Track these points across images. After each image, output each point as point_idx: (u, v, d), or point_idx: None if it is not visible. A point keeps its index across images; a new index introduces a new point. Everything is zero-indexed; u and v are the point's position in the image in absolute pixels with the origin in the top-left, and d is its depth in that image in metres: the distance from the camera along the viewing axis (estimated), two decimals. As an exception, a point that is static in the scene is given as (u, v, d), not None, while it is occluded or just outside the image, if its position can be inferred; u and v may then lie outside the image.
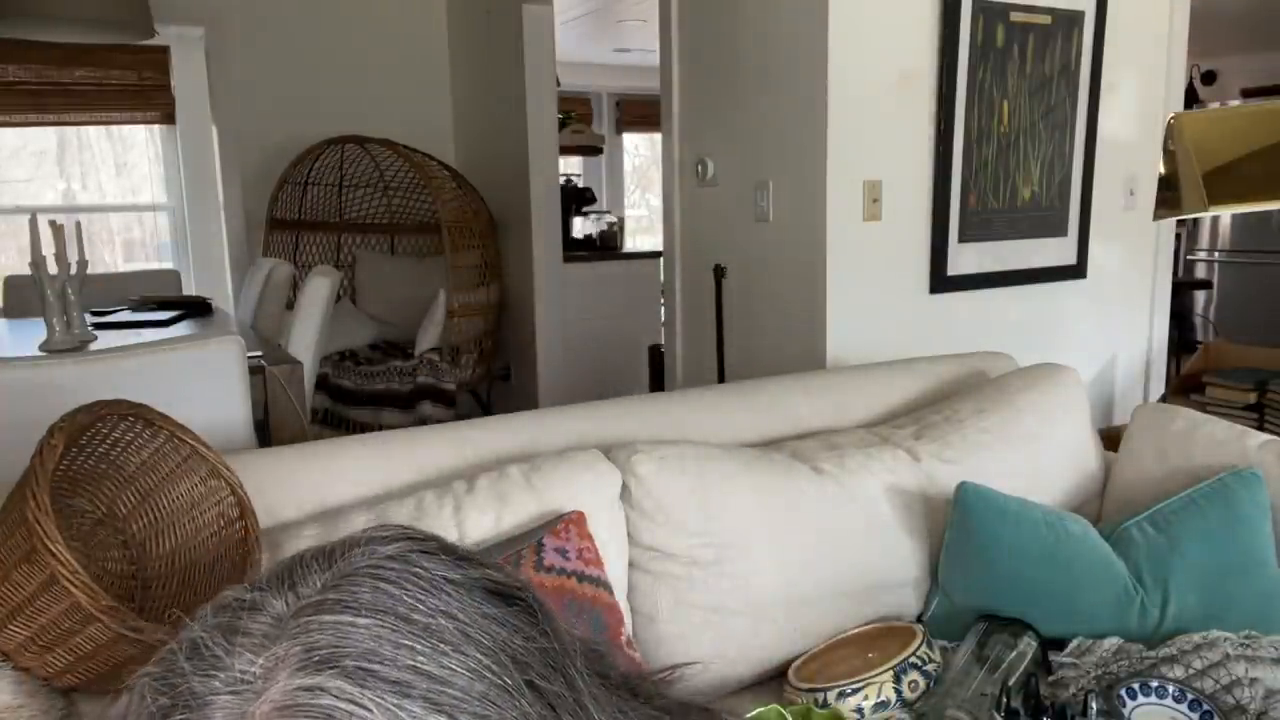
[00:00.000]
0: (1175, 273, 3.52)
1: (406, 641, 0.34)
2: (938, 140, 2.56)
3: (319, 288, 2.98)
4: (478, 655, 0.36)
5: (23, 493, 1.00)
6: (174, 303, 3.40)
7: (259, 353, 2.43)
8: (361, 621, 0.34)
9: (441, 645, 0.35)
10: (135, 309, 3.30)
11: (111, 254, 4.75)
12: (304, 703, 0.32)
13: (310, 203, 4.55)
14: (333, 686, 0.32)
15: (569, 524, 1.41)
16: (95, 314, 3.13)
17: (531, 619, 0.39)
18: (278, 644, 0.34)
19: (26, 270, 2.74)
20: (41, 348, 2.45)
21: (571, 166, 6.83)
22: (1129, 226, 3.05)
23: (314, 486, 1.43)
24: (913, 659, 1.45)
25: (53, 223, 2.51)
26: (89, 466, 1.22)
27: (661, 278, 3.71)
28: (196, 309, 3.31)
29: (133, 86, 4.36)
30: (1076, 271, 2.91)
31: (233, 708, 0.32)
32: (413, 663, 0.34)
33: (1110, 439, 2.02)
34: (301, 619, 0.34)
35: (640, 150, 7.74)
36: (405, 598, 0.36)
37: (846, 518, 1.63)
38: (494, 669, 0.36)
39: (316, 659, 0.33)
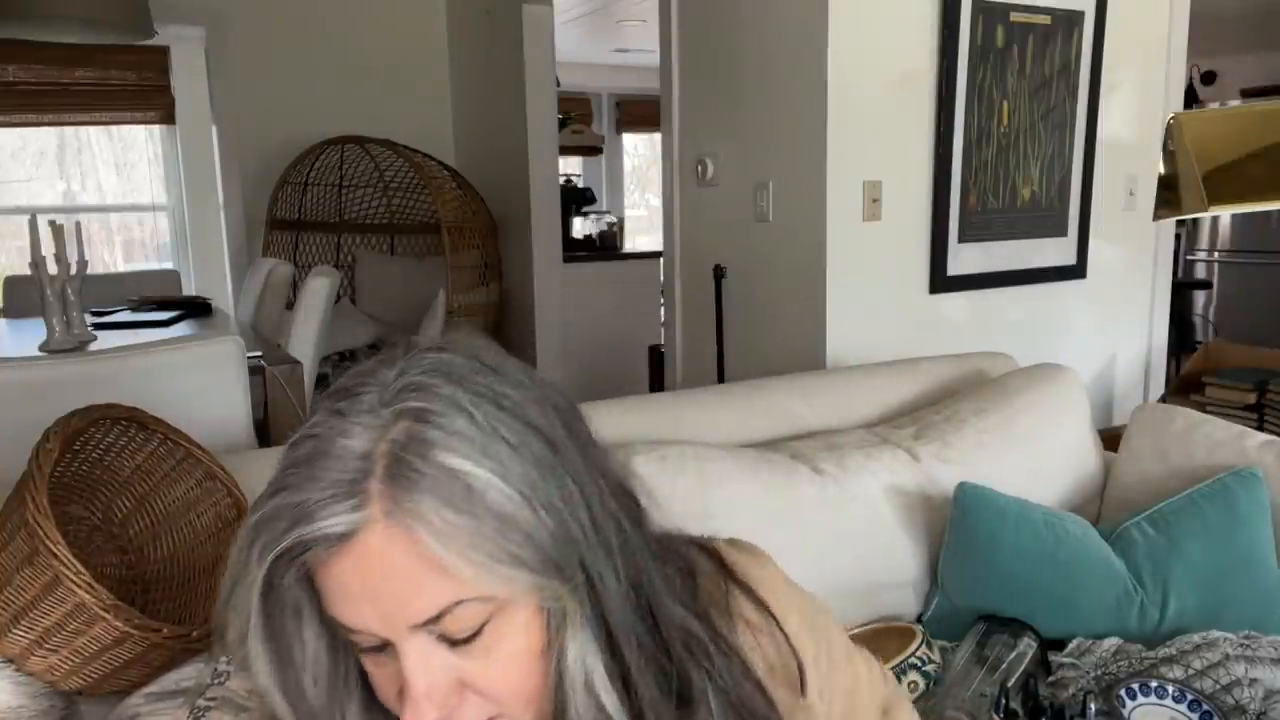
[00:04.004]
0: (1175, 273, 3.52)
1: (482, 372, 0.55)
2: (938, 140, 2.56)
3: (319, 288, 2.98)
4: (526, 390, 0.56)
5: (21, 496, 1.00)
6: (174, 303, 3.40)
7: (259, 353, 2.43)
8: (455, 358, 0.56)
9: (504, 378, 0.56)
10: (135, 309, 3.30)
11: (111, 254, 4.75)
12: (419, 384, 0.53)
13: (310, 203, 4.55)
14: (437, 380, 0.54)
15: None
16: (95, 314, 3.13)
17: (566, 397, 0.60)
18: (406, 365, 0.55)
19: (26, 270, 2.74)
20: (41, 348, 2.45)
21: (571, 166, 6.83)
22: (1129, 226, 3.05)
23: (314, 487, 1.43)
24: (913, 659, 1.45)
25: (53, 223, 2.51)
26: (84, 472, 1.22)
27: (661, 278, 3.71)
28: (196, 309, 3.31)
29: (133, 86, 4.36)
30: (1076, 271, 2.91)
31: (374, 393, 0.54)
32: (486, 383, 0.54)
33: (1110, 439, 2.02)
34: (418, 355, 0.56)
35: (640, 150, 7.74)
36: (482, 353, 0.57)
37: (846, 518, 1.63)
38: (539, 403, 0.56)
39: (426, 369, 0.54)
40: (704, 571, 0.70)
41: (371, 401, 0.53)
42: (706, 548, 0.74)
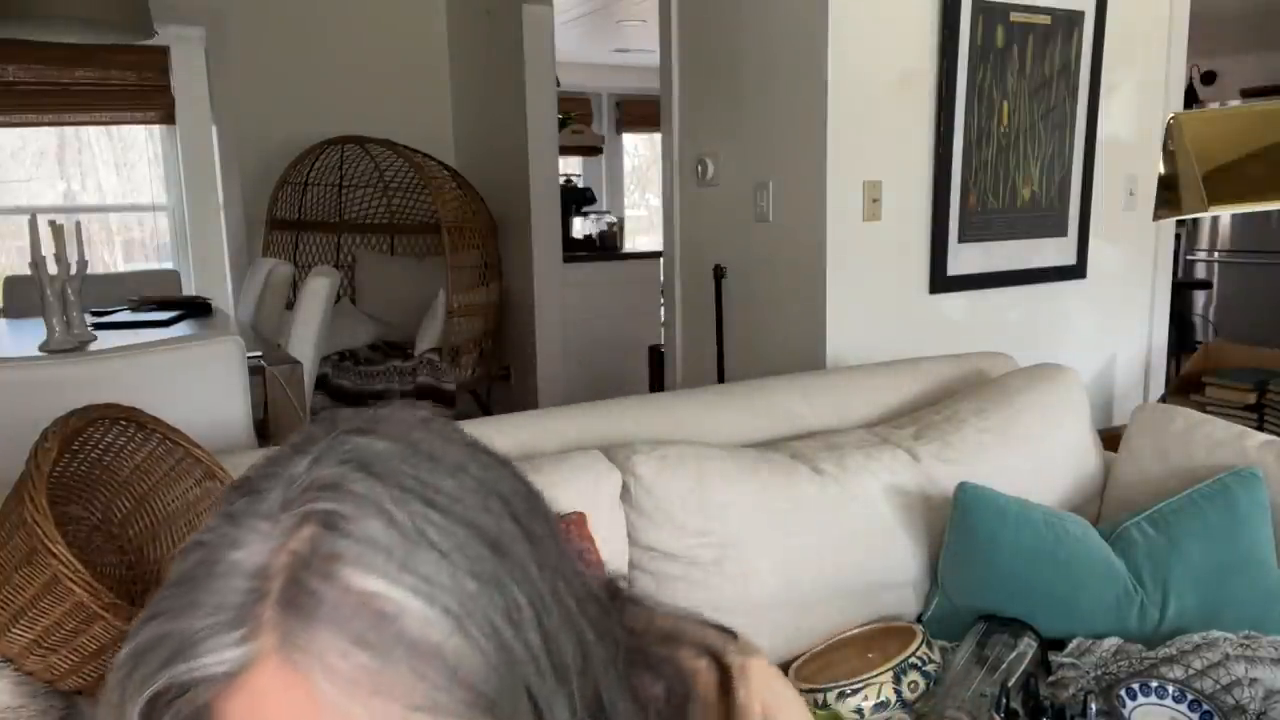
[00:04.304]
0: (1175, 273, 3.52)
1: (413, 460, 0.46)
2: (938, 140, 2.55)
3: (319, 288, 2.98)
4: (467, 480, 0.47)
5: (19, 496, 1.00)
6: (174, 303, 3.40)
7: (259, 353, 2.43)
8: (381, 444, 0.46)
9: (439, 467, 0.46)
10: (135, 309, 3.30)
11: (111, 254, 4.75)
12: (330, 483, 0.44)
13: (310, 203, 4.55)
14: (354, 475, 0.44)
15: (570, 525, 1.41)
16: (95, 314, 3.13)
17: (522, 481, 0.51)
18: (320, 454, 0.46)
19: (26, 270, 2.74)
20: (41, 348, 2.45)
21: (571, 166, 6.83)
22: (1129, 226, 3.05)
23: (314, 487, 1.43)
24: (913, 659, 1.45)
25: (53, 223, 2.51)
26: (83, 472, 1.21)
27: (661, 278, 3.71)
28: (196, 309, 3.31)
29: (133, 86, 4.37)
30: (1076, 271, 2.91)
31: (282, 492, 0.45)
32: (416, 474, 0.45)
33: (1110, 439, 2.02)
34: (339, 438, 0.47)
35: (640, 150, 7.74)
36: (416, 434, 0.48)
37: (846, 518, 1.63)
38: (481, 493, 0.47)
39: (343, 459, 0.45)
40: (701, 698, 0.59)
41: (273, 503, 0.44)
42: (718, 657, 0.63)
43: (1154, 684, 1.38)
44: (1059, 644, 1.54)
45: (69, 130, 4.52)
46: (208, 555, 0.44)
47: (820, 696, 1.41)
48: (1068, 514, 1.70)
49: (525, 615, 0.45)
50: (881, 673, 1.42)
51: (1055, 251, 2.85)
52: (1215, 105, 5.90)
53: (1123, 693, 1.38)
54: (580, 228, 5.61)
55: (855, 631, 1.61)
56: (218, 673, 0.42)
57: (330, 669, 0.41)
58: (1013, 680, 1.36)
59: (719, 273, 2.85)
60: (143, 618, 0.44)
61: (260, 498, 0.45)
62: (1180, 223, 4.99)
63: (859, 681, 1.41)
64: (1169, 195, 1.20)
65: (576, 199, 5.46)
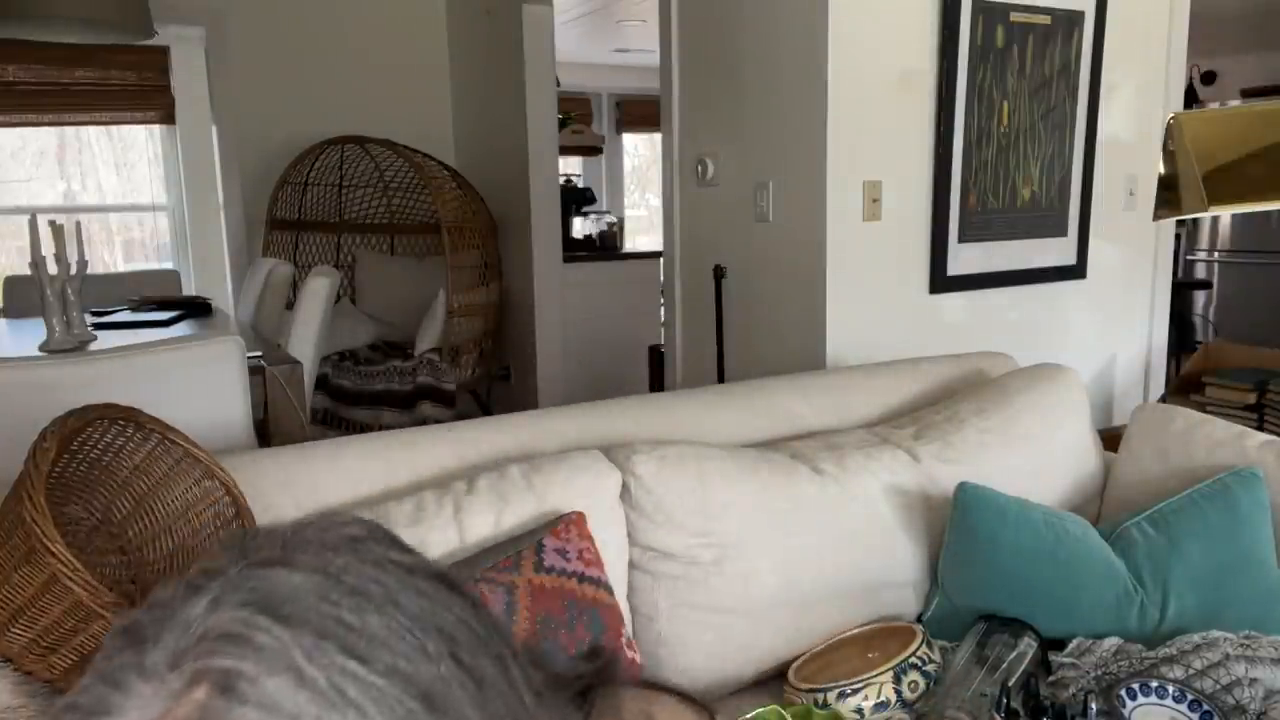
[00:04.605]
0: (1175, 273, 3.52)
1: (333, 596, 0.38)
2: (938, 140, 2.55)
3: (319, 288, 2.98)
4: (400, 618, 0.39)
5: (18, 495, 1.00)
6: (174, 303, 3.40)
7: (259, 353, 2.43)
8: (296, 577, 0.38)
9: (365, 604, 0.38)
10: (135, 309, 3.30)
11: (111, 254, 4.75)
12: (230, 632, 0.36)
13: (310, 203, 4.55)
14: (258, 621, 0.36)
15: (569, 524, 1.41)
16: (95, 314, 3.13)
17: (468, 605, 0.42)
18: (223, 592, 0.38)
19: (26, 270, 2.74)
20: (41, 348, 2.45)
21: (571, 166, 6.83)
22: (1129, 226, 3.05)
23: (313, 487, 1.43)
24: (913, 659, 1.45)
25: (53, 223, 2.51)
26: (82, 472, 1.21)
27: (661, 278, 3.71)
28: (196, 309, 3.31)
29: (133, 86, 4.37)
30: (1076, 271, 2.91)
31: (173, 642, 0.37)
32: (336, 614, 0.37)
33: (1110, 439, 2.02)
34: (245, 572, 0.39)
35: (640, 150, 7.74)
36: (339, 563, 0.40)
37: (846, 518, 1.63)
38: (416, 633, 0.39)
39: (249, 600, 0.37)
40: None
41: (159, 657, 0.37)
42: None
43: (1154, 684, 1.38)
44: (1059, 644, 1.54)
45: (69, 130, 4.52)
46: None
47: (820, 696, 1.41)
48: (1068, 514, 1.70)
49: None
50: (881, 673, 1.42)
51: (1055, 251, 2.85)
52: (1215, 105, 5.90)
53: (1123, 693, 1.38)
54: (580, 228, 5.61)
55: (855, 631, 1.61)
56: None
57: None
58: (1013, 680, 1.36)
59: (719, 273, 2.85)
60: None
61: (145, 650, 0.37)
62: (1180, 223, 4.98)
63: (859, 681, 1.41)
64: (1169, 195, 1.20)
65: (576, 199, 5.46)
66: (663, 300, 3.71)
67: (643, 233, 7.71)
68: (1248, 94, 5.90)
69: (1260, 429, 2.30)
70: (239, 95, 4.35)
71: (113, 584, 1.21)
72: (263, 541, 0.41)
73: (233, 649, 0.36)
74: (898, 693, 1.41)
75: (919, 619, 1.69)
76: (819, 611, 1.60)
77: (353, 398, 3.89)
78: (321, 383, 3.78)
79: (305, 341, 2.93)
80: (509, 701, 0.41)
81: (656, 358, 3.71)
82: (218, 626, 0.37)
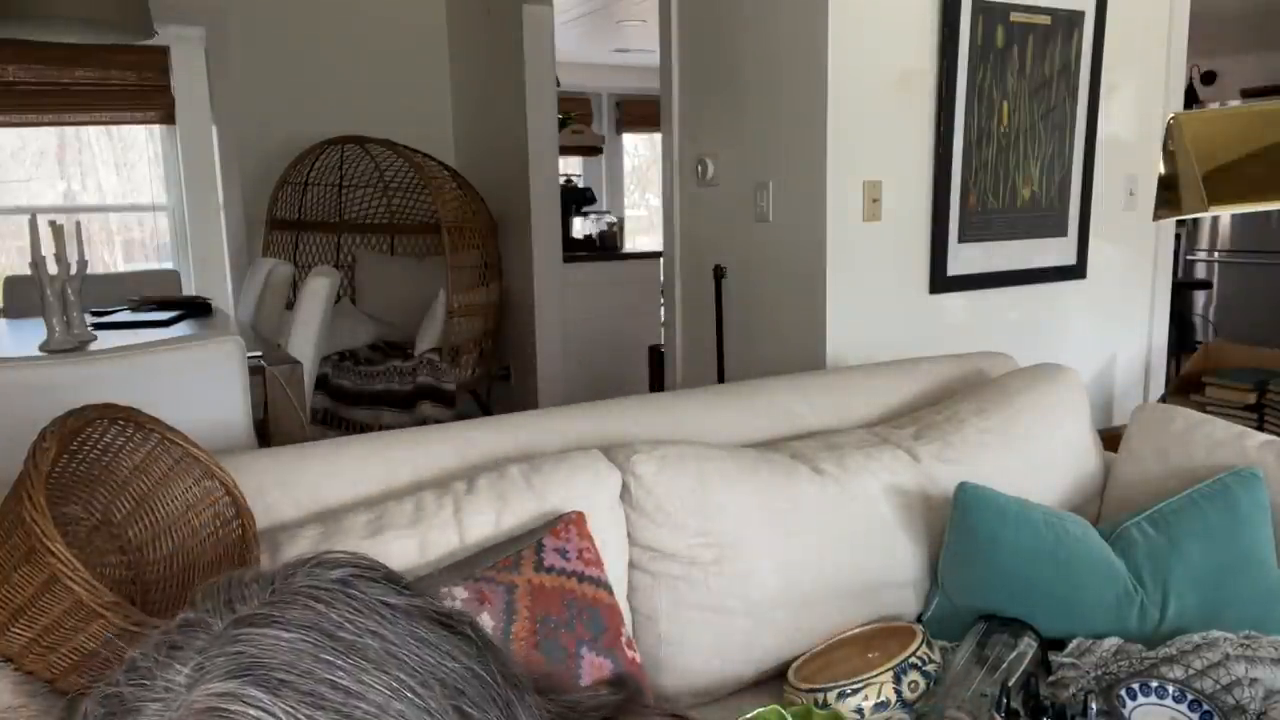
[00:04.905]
0: (1175, 273, 3.52)
1: (326, 656, 0.35)
2: (938, 140, 2.55)
3: (319, 288, 2.98)
4: (400, 675, 0.36)
5: (17, 495, 1.00)
6: (174, 303, 3.40)
7: (259, 353, 2.43)
8: (286, 635, 0.35)
9: (363, 663, 0.35)
10: (135, 309, 3.30)
11: (111, 254, 4.75)
12: (218, 707, 0.33)
13: (310, 203, 4.55)
14: (247, 694, 0.33)
15: (569, 524, 1.41)
16: (95, 314, 3.13)
17: (472, 649, 0.40)
18: (207, 656, 0.35)
19: (26, 270, 2.74)
20: (41, 348, 2.45)
21: (571, 166, 6.83)
22: (1129, 226, 3.05)
23: (313, 487, 1.43)
24: (913, 659, 1.45)
25: (53, 223, 2.51)
26: (81, 472, 1.21)
27: (661, 278, 3.71)
28: (196, 309, 3.31)
29: (133, 86, 4.36)
30: (1076, 271, 2.91)
31: (159, 714, 0.34)
32: (330, 677, 0.34)
33: (1110, 439, 2.02)
34: (231, 632, 0.36)
35: (640, 150, 7.74)
36: (334, 615, 0.37)
37: (846, 518, 1.63)
38: (417, 690, 0.36)
39: (236, 668, 0.34)
40: None
41: (171, 674, 0.35)
42: None
43: (1154, 684, 1.38)
44: (1059, 644, 1.54)
45: (69, 130, 4.52)
46: None
47: (820, 696, 1.41)
48: (1068, 514, 1.70)
49: None
50: (881, 673, 1.42)
51: (1055, 251, 2.85)
52: (1215, 105, 5.90)
53: (1123, 693, 1.38)
54: (580, 228, 5.61)
55: (855, 631, 1.61)
56: None
57: None
58: (1013, 680, 1.36)
59: (719, 273, 2.85)
60: None
61: (136, 711, 0.34)
62: (1180, 223, 4.98)
63: (859, 681, 1.41)
64: (1169, 195, 1.20)
65: (576, 199, 5.46)
66: (663, 300, 3.71)
67: (643, 233, 7.71)
68: (1248, 94, 5.90)
69: (1260, 429, 2.30)
70: (239, 95, 4.35)
71: (113, 584, 1.21)
72: (249, 590, 0.38)
73: None
74: (898, 693, 1.41)
75: (919, 619, 1.69)
76: (819, 611, 1.59)
77: (353, 398, 3.89)
78: (321, 383, 3.78)
79: (305, 341, 2.93)
80: None
81: (656, 358, 3.71)
82: (204, 701, 0.34)
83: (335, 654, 0.35)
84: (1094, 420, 2.00)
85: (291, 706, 0.33)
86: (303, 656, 0.35)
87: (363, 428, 3.78)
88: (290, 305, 3.43)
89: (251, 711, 0.33)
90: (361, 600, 0.38)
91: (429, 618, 0.39)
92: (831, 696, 1.40)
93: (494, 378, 4.47)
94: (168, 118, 4.46)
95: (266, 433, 2.27)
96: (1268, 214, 5.54)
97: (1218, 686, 1.39)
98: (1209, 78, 6.14)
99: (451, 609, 0.41)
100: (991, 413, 1.85)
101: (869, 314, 2.55)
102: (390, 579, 0.41)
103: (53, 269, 2.51)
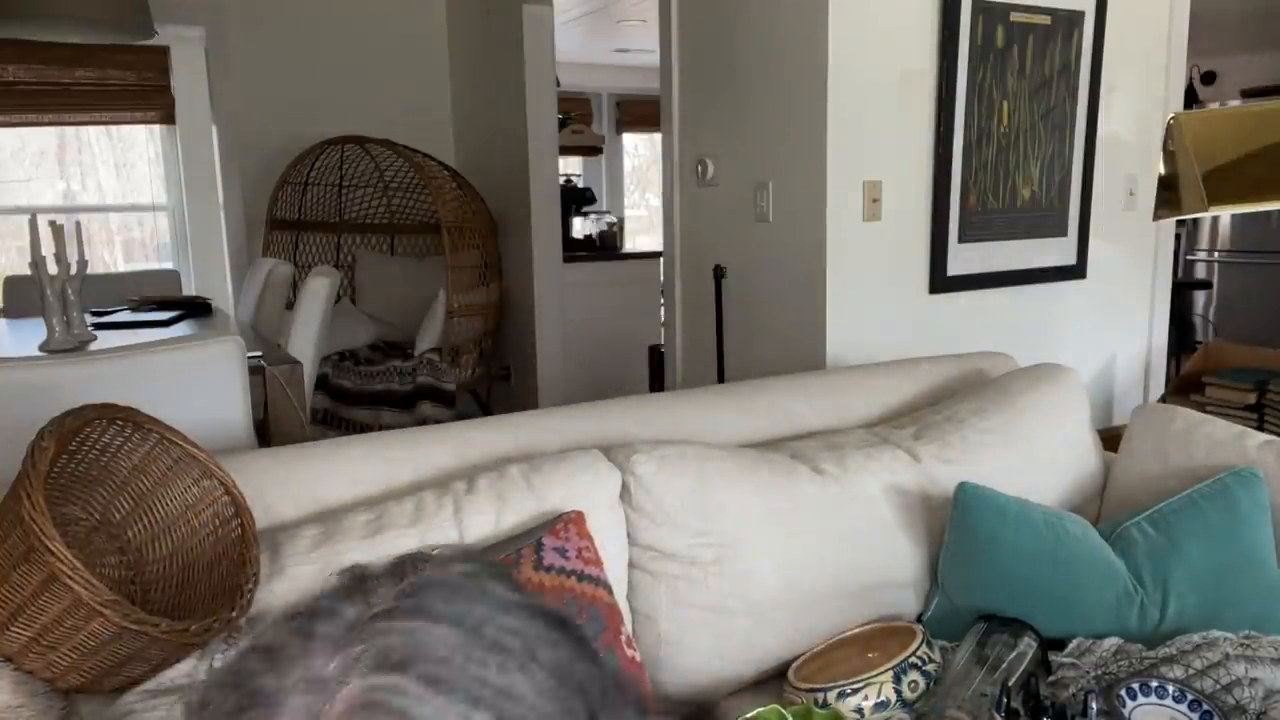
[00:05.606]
0: (1175, 273, 3.52)
1: (478, 653, 0.35)
2: (938, 140, 2.55)
3: (319, 288, 2.98)
4: (544, 676, 0.36)
5: (16, 494, 1.00)
6: (174, 303, 3.40)
7: (259, 353, 2.43)
8: (436, 629, 0.35)
9: (509, 661, 0.35)
10: (135, 309, 3.30)
11: (111, 254, 4.75)
12: (379, 700, 0.32)
13: (310, 203, 4.55)
14: (408, 687, 0.32)
15: (568, 523, 1.41)
16: (95, 314, 3.13)
17: (585, 648, 0.39)
18: (352, 646, 0.34)
19: (26, 270, 2.74)
20: (41, 348, 2.45)
21: (571, 166, 6.83)
22: (1129, 226, 3.05)
23: (314, 486, 1.43)
24: (913, 659, 1.45)
25: (53, 223, 2.51)
26: (80, 472, 1.21)
27: (661, 278, 3.71)
28: (196, 309, 3.31)
29: (133, 86, 4.36)
30: (1076, 271, 2.91)
31: (305, 706, 0.33)
32: (483, 674, 0.34)
33: (1110, 439, 2.02)
34: (376, 624, 0.35)
35: (640, 150, 7.74)
36: (476, 611, 0.36)
37: (846, 518, 1.63)
38: (562, 692, 0.36)
39: (391, 661, 0.33)
40: None
41: (318, 664, 0.34)
42: None
43: (1154, 684, 1.38)
44: (1059, 644, 1.54)
45: (69, 130, 4.52)
46: None
47: (820, 696, 1.41)
48: (1068, 514, 1.70)
49: None
50: (881, 673, 1.42)
51: (1055, 251, 2.85)
52: (1215, 105, 5.90)
53: (1123, 692, 1.38)
54: (580, 228, 5.61)
55: (855, 631, 1.61)
56: None
57: None
58: (1013, 680, 1.36)
59: (719, 273, 2.85)
60: None
61: (277, 712, 0.33)
62: (1180, 223, 4.98)
63: (859, 681, 1.41)
64: (1169, 195, 1.20)
65: (576, 199, 5.46)
66: (663, 300, 3.71)
67: (643, 233, 7.71)
68: (1248, 94, 5.90)
69: (1260, 429, 2.30)
70: (239, 95, 4.35)
71: (112, 584, 1.21)
72: (380, 583, 0.37)
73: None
74: (898, 693, 1.41)
75: (919, 619, 1.68)
76: (819, 611, 1.59)
77: (353, 398, 3.89)
78: (321, 383, 3.78)
79: (305, 341, 2.93)
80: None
81: (656, 358, 3.71)
82: (362, 695, 0.32)
83: (484, 652, 0.35)
84: (1094, 420, 2.00)
85: (453, 703, 0.32)
86: (455, 652, 0.34)
87: (363, 428, 3.78)
88: (290, 305, 3.43)
89: (414, 705, 0.32)
90: (493, 597, 0.38)
91: (551, 621, 0.39)
92: (831, 696, 1.40)
93: (494, 378, 4.47)
94: (168, 118, 4.46)
95: (266, 433, 2.27)
96: (1268, 214, 5.54)
97: (1218, 686, 1.39)
98: (1209, 78, 6.14)
99: (557, 609, 0.41)
100: (991, 413, 1.85)
101: (869, 314, 2.55)
102: (500, 576, 0.40)
103: (53, 269, 2.51)
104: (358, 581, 0.38)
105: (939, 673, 1.45)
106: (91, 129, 4.56)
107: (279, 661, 0.34)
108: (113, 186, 4.69)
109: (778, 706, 1.31)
